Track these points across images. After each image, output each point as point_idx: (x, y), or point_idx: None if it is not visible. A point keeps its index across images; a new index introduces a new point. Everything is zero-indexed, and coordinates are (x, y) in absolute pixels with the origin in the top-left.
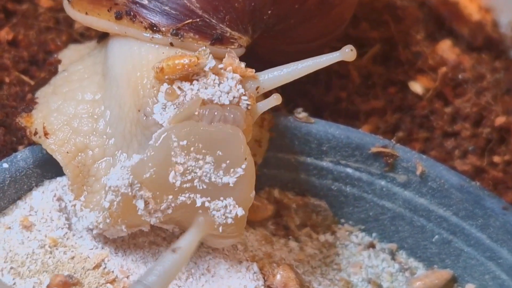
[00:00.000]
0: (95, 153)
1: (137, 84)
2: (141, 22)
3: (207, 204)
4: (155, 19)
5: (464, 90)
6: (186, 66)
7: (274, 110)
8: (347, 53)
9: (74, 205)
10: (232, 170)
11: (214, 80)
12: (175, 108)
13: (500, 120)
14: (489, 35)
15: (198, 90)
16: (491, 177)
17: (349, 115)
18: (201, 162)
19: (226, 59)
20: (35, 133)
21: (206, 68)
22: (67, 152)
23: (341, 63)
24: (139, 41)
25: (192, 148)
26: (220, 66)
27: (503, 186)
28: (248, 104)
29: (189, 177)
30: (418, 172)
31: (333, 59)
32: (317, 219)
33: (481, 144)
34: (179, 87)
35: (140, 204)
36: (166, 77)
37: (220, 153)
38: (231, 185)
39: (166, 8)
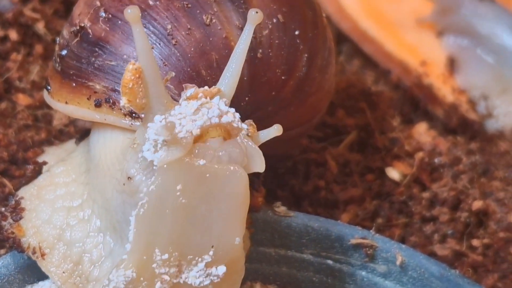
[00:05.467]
0: (93, 256)
1: (111, 163)
2: (120, 110)
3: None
4: None
5: (440, 175)
6: (132, 78)
7: (252, 210)
8: (253, 15)
9: None
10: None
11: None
12: (166, 147)
13: (477, 204)
14: (463, 116)
15: (189, 123)
16: (471, 261)
17: (329, 204)
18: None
19: (189, 88)
20: (34, 252)
21: (184, 103)
22: (63, 273)
23: (319, 151)
24: (113, 130)
25: (172, 259)
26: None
27: (483, 270)
28: (247, 130)
29: (175, 281)
30: (398, 262)
31: (249, 32)
32: None
33: (459, 228)
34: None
35: None
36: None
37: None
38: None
39: None
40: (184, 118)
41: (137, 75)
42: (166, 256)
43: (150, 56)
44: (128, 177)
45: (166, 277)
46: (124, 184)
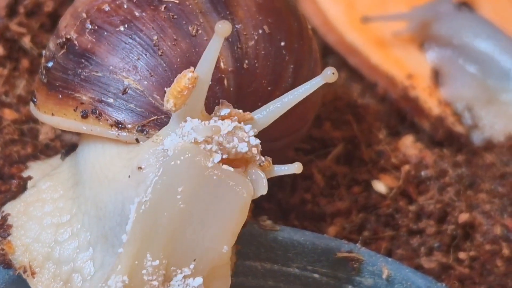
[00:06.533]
0: (84, 272)
1: (108, 170)
2: (107, 120)
3: None
4: (121, 116)
5: (427, 187)
6: (189, 86)
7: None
8: (328, 75)
9: None
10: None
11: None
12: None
13: (463, 217)
14: (449, 128)
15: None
16: (458, 274)
17: (315, 217)
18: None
19: (224, 107)
20: (24, 271)
21: (215, 118)
22: None
23: (305, 164)
24: (103, 142)
25: (161, 266)
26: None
27: (470, 282)
28: (263, 162)
29: None
30: (384, 276)
31: (315, 84)
32: None
33: (446, 240)
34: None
35: None
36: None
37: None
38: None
39: (131, 105)
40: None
41: (193, 84)
42: (156, 262)
43: (211, 69)
44: (139, 167)
45: (155, 283)
46: (129, 176)
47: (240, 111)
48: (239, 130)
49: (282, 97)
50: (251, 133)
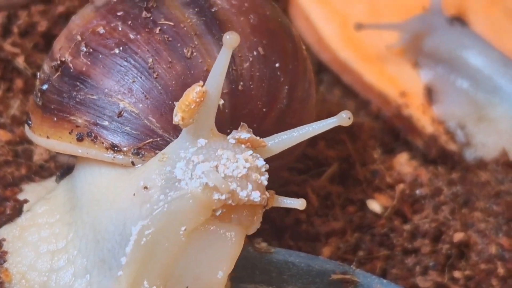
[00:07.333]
0: None
1: (107, 194)
2: (102, 143)
3: None
4: (116, 139)
5: (422, 206)
6: (197, 100)
7: None
8: (344, 118)
9: None
10: None
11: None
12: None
13: (458, 236)
14: (443, 147)
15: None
16: None
17: (310, 237)
18: None
19: (244, 131)
20: None
21: (232, 140)
22: None
23: (299, 184)
24: (101, 166)
25: None
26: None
27: None
28: (266, 200)
29: None
30: None
31: (330, 124)
32: None
33: (441, 260)
34: None
35: None
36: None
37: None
38: None
39: (127, 128)
40: (230, 178)
41: (201, 98)
42: None
43: (220, 84)
44: (144, 187)
45: None
46: (134, 194)
47: (257, 138)
48: (253, 172)
49: (297, 129)
50: (263, 169)
